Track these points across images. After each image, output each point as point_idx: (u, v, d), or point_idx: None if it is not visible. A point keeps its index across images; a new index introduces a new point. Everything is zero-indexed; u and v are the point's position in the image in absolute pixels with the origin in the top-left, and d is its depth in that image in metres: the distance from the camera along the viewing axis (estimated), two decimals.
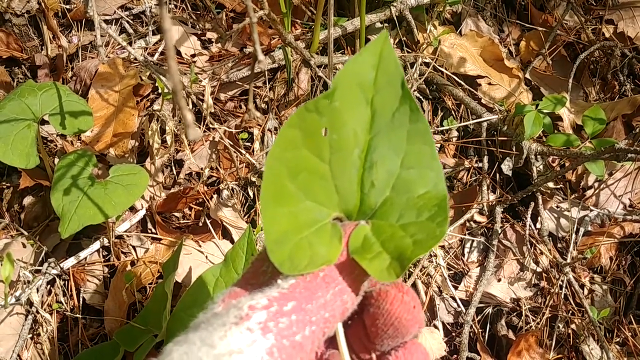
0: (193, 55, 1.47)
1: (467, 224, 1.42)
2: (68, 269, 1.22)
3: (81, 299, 1.22)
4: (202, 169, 1.35)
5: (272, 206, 0.43)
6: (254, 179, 1.32)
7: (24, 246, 1.21)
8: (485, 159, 1.46)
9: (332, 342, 0.46)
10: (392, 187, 0.46)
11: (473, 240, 1.41)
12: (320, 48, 1.46)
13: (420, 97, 1.52)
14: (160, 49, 1.48)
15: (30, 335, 1.18)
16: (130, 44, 1.47)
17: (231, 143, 1.31)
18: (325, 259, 0.43)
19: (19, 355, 1.15)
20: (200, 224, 1.31)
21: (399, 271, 0.42)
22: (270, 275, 0.43)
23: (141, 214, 1.30)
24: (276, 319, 0.37)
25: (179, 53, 1.47)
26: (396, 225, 0.44)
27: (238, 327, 0.36)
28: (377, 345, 0.45)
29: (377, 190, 0.46)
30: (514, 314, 1.37)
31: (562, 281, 1.36)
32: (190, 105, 1.28)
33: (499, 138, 1.44)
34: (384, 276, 0.42)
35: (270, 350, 0.36)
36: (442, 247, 1.40)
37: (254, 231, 1.07)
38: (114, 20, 1.50)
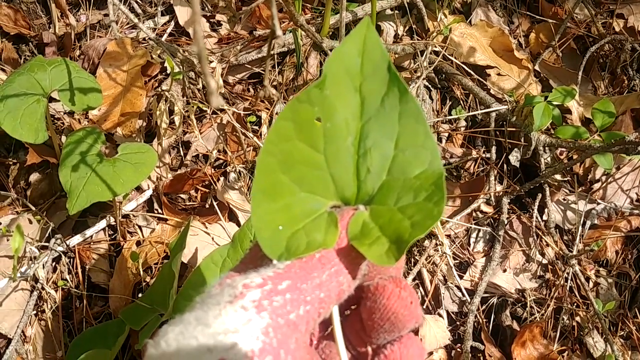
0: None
1: (474, 214, 1.42)
2: (74, 246, 1.21)
3: (86, 277, 1.21)
4: (209, 151, 1.34)
5: (264, 202, 0.43)
6: None
7: (30, 222, 1.21)
8: (493, 149, 1.46)
9: (329, 333, 0.46)
10: (388, 170, 0.46)
11: (479, 230, 1.41)
12: (330, 33, 1.45)
13: (429, 85, 1.51)
14: (169, 30, 1.47)
15: (35, 312, 1.17)
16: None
17: (239, 126, 1.31)
18: (322, 244, 0.42)
19: (23, 331, 1.14)
20: (207, 206, 1.31)
21: (397, 255, 0.41)
22: (267, 260, 0.43)
23: (148, 194, 1.29)
24: (270, 298, 0.37)
25: (187, 34, 1.47)
26: (394, 209, 0.44)
27: (232, 305, 0.36)
28: (373, 338, 0.45)
29: (374, 176, 0.46)
30: (519, 304, 1.37)
31: (568, 273, 1.36)
32: (200, 86, 1.27)
33: (508, 129, 1.44)
34: (383, 260, 0.41)
35: (266, 329, 0.36)
36: (448, 236, 1.40)
37: None
38: (124, 0, 1.49)
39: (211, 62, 1.34)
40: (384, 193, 0.45)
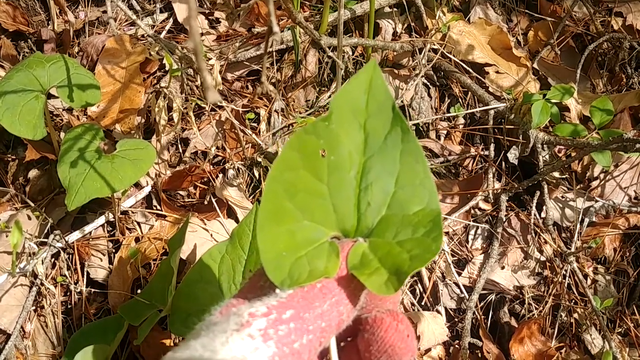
0: (201, 35, 1.46)
1: (472, 211, 1.42)
2: (73, 242, 1.21)
3: (85, 273, 1.21)
4: (208, 147, 1.34)
5: (269, 225, 0.44)
6: (259, 160, 1.32)
7: (29, 218, 1.21)
8: (492, 146, 1.46)
9: None
10: (388, 206, 0.47)
11: (477, 228, 1.41)
12: (329, 30, 1.45)
13: (428, 83, 1.51)
14: (167, 27, 1.47)
15: (34, 308, 1.17)
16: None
17: (237, 123, 1.31)
18: (324, 273, 0.43)
19: (22, 327, 1.14)
20: (206, 203, 1.31)
21: (397, 285, 0.42)
22: (267, 290, 0.44)
23: (146, 190, 1.29)
24: (276, 327, 0.38)
25: (186, 31, 1.47)
26: (393, 242, 0.45)
27: (239, 333, 0.37)
28: None
29: (374, 210, 0.48)
30: (517, 301, 1.37)
31: (566, 270, 1.36)
32: (199, 83, 1.27)
33: (506, 126, 1.44)
34: (383, 290, 0.42)
35: (273, 358, 0.37)
36: (447, 233, 1.40)
37: None
38: None
39: (210, 59, 1.34)
40: (383, 227, 0.47)
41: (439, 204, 0.46)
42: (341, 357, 0.46)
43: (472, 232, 1.41)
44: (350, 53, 1.49)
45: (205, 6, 1.51)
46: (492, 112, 1.44)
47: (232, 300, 0.44)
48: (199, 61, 0.40)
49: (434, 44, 1.50)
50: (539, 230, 1.41)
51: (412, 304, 1.33)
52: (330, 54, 1.13)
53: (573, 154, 1.43)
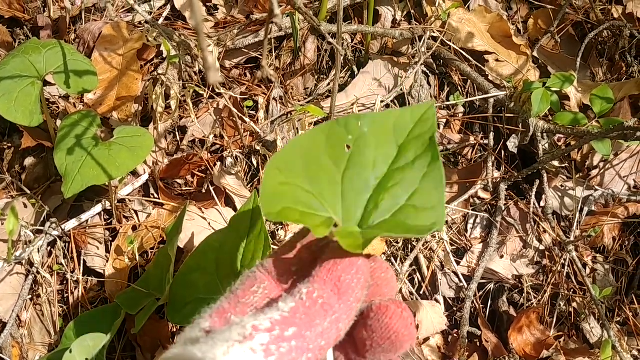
0: None
1: (471, 200, 1.41)
2: (69, 231, 1.20)
3: (82, 262, 1.21)
4: (206, 135, 1.33)
5: (277, 170, 0.48)
6: (258, 148, 1.31)
7: (25, 206, 1.20)
8: (491, 135, 1.45)
9: None
10: (393, 214, 0.50)
11: (476, 217, 1.40)
12: (328, 17, 1.44)
13: (427, 71, 1.50)
14: (165, 14, 1.46)
15: (30, 296, 1.16)
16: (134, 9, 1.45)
17: (236, 110, 1.30)
18: (314, 230, 0.46)
19: (18, 315, 1.13)
20: (203, 191, 1.30)
21: (364, 242, 0.46)
22: (260, 296, 0.45)
23: (144, 178, 1.29)
24: (278, 344, 0.38)
25: (184, 18, 1.45)
26: (382, 233, 0.48)
27: (242, 345, 0.37)
28: (368, 359, 0.47)
29: (379, 212, 0.50)
30: (516, 290, 1.37)
31: (565, 259, 1.36)
32: (197, 70, 1.26)
33: (506, 115, 1.43)
34: (350, 244, 0.45)
35: None
36: (446, 222, 1.39)
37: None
38: None
39: (208, 45, 1.33)
40: (380, 225, 0.49)
41: (444, 227, 0.48)
42: (336, 350, 0.48)
43: (471, 221, 1.40)
44: (350, 40, 1.48)
45: None
46: (491, 100, 1.43)
47: (224, 304, 0.44)
48: (201, 40, 0.39)
49: (434, 32, 1.49)
50: (538, 219, 1.40)
51: (411, 293, 1.32)
52: (331, 40, 1.12)
53: (573, 143, 1.43)
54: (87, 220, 1.23)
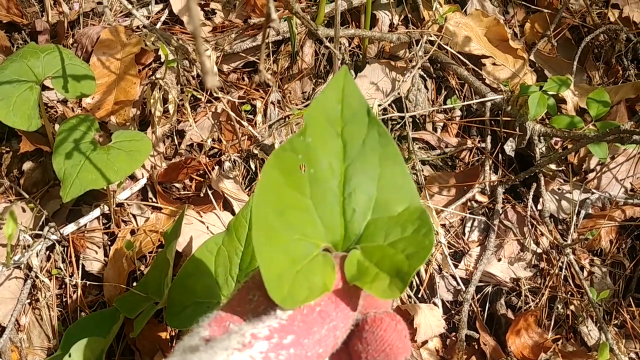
0: None
1: (469, 204, 1.42)
2: (67, 235, 1.20)
3: (80, 266, 1.21)
4: (204, 139, 1.33)
5: (265, 247, 0.44)
6: (256, 152, 1.31)
7: (24, 211, 1.20)
8: (489, 139, 1.46)
9: None
10: (373, 209, 0.48)
11: (474, 220, 1.41)
12: (326, 21, 1.44)
13: (425, 75, 1.51)
14: (163, 18, 1.46)
15: (29, 301, 1.16)
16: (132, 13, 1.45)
17: (234, 114, 1.30)
18: (323, 288, 0.44)
19: (17, 320, 1.13)
20: (202, 195, 1.30)
21: (401, 286, 0.43)
22: (255, 304, 0.45)
23: (142, 182, 1.29)
24: (277, 351, 0.39)
25: (182, 23, 1.46)
26: (385, 245, 0.46)
27: (241, 353, 0.37)
28: None
29: (359, 215, 0.48)
30: (514, 293, 1.37)
31: (562, 262, 1.36)
32: (195, 74, 1.26)
33: (503, 118, 1.44)
34: (387, 294, 0.43)
35: None
36: (443, 225, 1.40)
37: None
38: None
39: (206, 50, 1.33)
40: (371, 231, 0.48)
41: (421, 201, 0.46)
42: (330, 358, 0.47)
43: (469, 224, 1.41)
44: (347, 44, 1.49)
45: None
46: (488, 104, 1.44)
47: (220, 312, 0.44)
48: (198, 44, 0.39)
49: (431, 36, 1.50)
50: (535, 223, 1.41)
51: (409, 296, 1.32)
52: (328, 44, 1.12)
53: (570, 146, 1.43)
54: (85, 225, 1.23)
